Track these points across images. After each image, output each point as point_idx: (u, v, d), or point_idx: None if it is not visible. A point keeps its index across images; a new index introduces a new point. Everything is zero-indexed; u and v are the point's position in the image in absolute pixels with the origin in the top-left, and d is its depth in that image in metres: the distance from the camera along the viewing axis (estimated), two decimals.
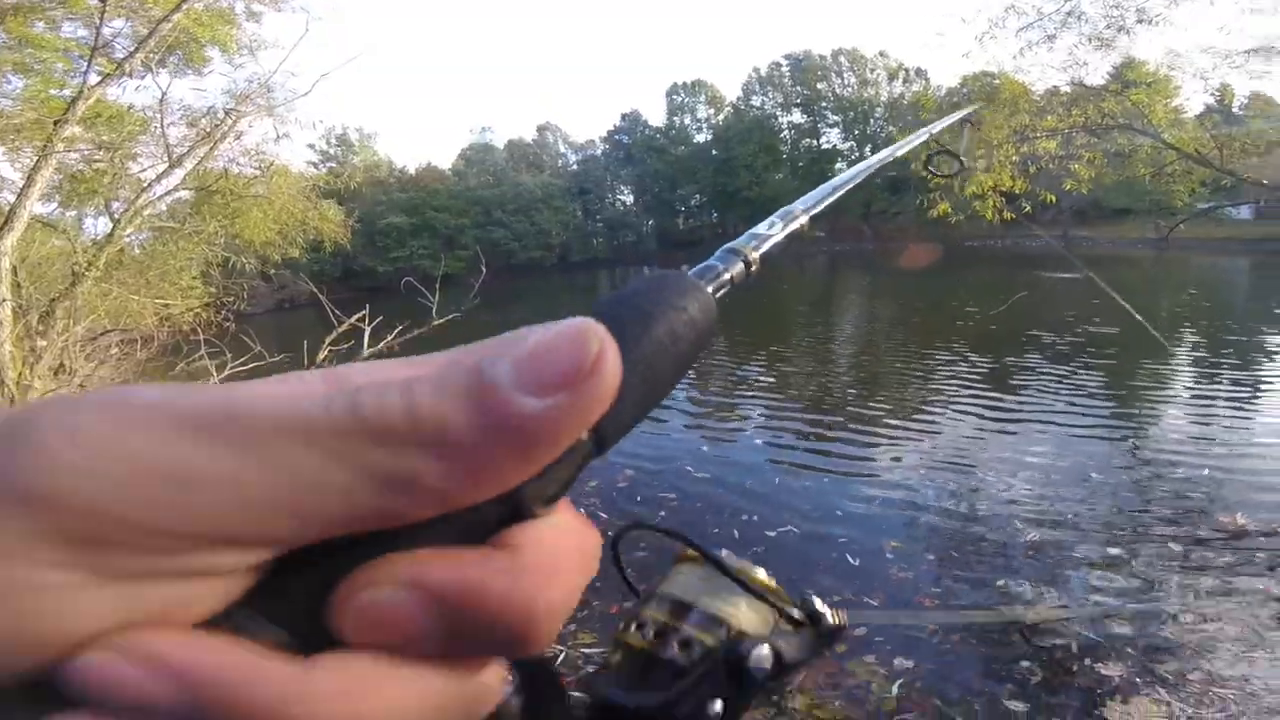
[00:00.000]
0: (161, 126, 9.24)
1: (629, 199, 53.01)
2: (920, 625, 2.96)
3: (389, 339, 10.10)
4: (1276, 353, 8.00)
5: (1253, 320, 10.11)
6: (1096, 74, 7.41)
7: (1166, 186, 8.45)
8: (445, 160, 50.74)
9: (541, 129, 54.53)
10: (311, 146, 42.66)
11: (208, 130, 9.26)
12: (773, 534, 4.03)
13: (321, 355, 9.88)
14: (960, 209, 8.98)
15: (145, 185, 8.78)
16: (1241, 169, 7.69)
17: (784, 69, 46.72)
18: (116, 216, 8.64)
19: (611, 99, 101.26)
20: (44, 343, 6.95)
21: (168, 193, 9.34)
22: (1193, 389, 6.95)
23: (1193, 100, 7.96)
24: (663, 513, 4.46)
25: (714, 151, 47.73)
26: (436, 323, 10.00)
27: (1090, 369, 7.83)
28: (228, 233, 9.94)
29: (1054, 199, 8.86)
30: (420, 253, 36.65)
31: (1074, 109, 7.50)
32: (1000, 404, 6.65)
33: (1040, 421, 5.99)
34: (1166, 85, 7.38)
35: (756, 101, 47.66)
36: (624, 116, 52.02)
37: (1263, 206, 21.90)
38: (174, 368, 10.44)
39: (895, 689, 2.51)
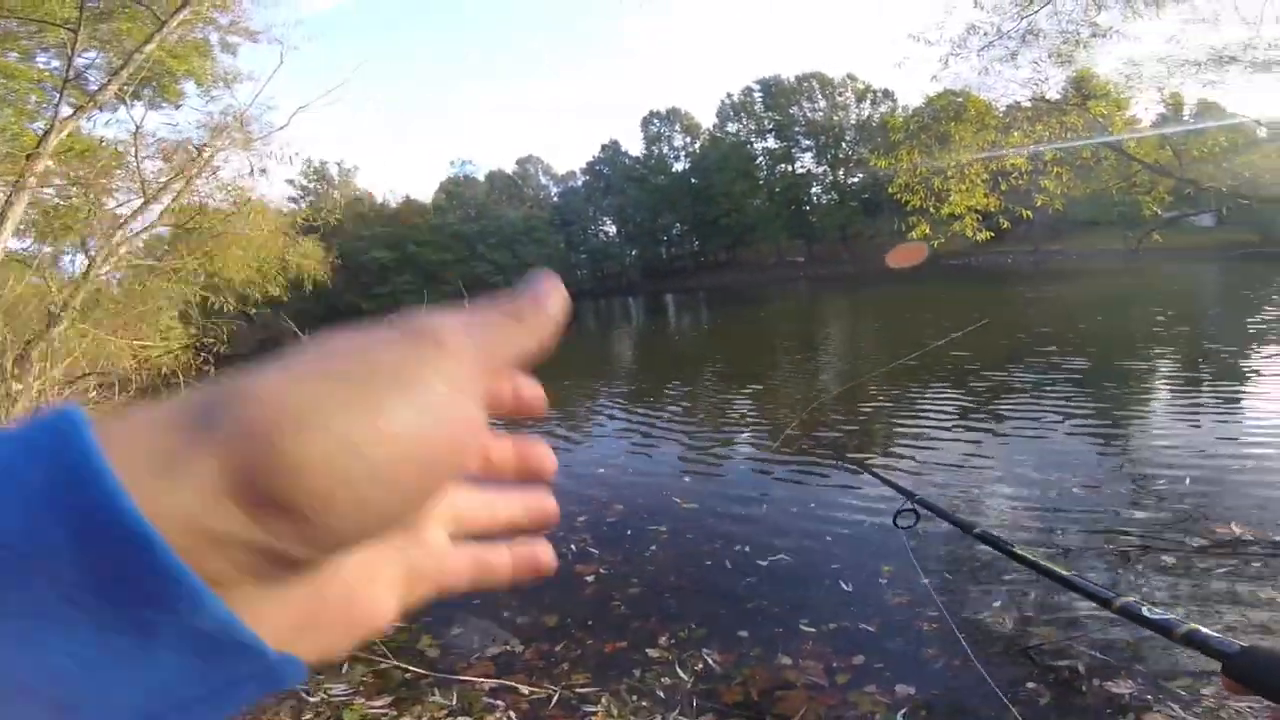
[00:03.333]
0: (136, 160, 9.12)
1: (611, 229, 53.49)
2: (919, 651, 2.89)
3: None
4: (1251, 364, 8.15)
5: (1225, 332, 10.34)
6: (1054, 88, 7.62)
7: (1135, 198, 8.65)
8: (426, 194, 50.96)
9: (522, 161, 55.20)
10: (290, 182, 42.72)
11: (183, 164, 9.16)
12: (764, 562, 3.96)
13: None
14: (939, 230, 9.09)
15: (121, 221, 8.62)
16: (1201, 177, 7.90)
17: (756, 95, 47.70)
18: (93, 253, 8.48)
19: (594, 130, 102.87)
20: (19, 386, 6.73)
21: (145, 229, 9.19)
22: (1173, 402, 7.04)
23: (1148, 111, 8.21)
24: (653, 546, 4.37)
25: (693, 180, 48.40)
26: None
27: (1069, 386, 7.92)
28: (206, 271, 9.76)
29: (1028, 215, 9.00)
30: (404, 289, 36.62)
31: (1038, 124, 7.69)
32: (985, 423, 6.68)
33: (1027, 439, 6.02)
34: (1122, 96, 7.60)
35: (731, 128, 48.55)
36: (604, 147, 52.86)
37: (1223, 214, 22.58)
38: None
39: (900, 718, 2.44)
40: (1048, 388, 7.78)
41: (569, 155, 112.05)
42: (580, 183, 53.98)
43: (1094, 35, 6.68)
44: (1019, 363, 9.28)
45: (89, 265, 8.15)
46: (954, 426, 6.67)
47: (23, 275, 8.22)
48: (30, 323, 7.53)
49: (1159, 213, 8.60)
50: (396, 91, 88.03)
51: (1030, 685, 2.54)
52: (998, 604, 3.21)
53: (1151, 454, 5.28)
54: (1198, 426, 5.87)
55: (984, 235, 8.81)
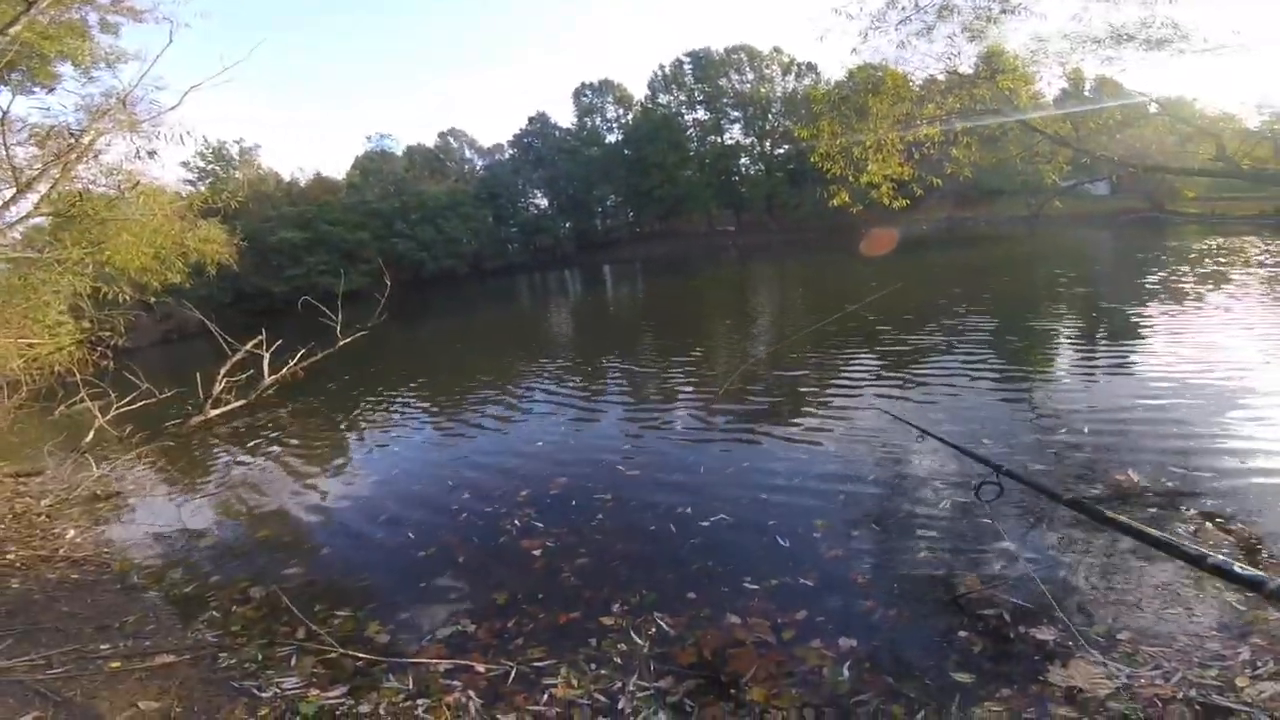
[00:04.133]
0: (5, 148, 8.26)
1: (543, 202, 52.32)
2: (856, 604, 3.07)
3: (292, 364, 9.45)
4: (1143, 319, 8.92)
5: (1118, 291, 11.26)
6: (967, 62, 7.96)
7: (1036, 167, 9.22)
8: (340, 170, 48.00)
9: (444, 134, 52.89)
10: (186, 164, 39.40)
11: (61, 150, 8.31)
12: (706, 524, 4.08)
13: (218, 387, 9.13)
14: (858, 198, 9.37)
15: None
16: (1096, 147, 8.48)
17: (686, 67, 47.47)
18: None
19: (515, 103, 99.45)
20: None
21: (19, 219, 8.34)
22: (1073, 357, 7.64)
23: (1051, 86, 8.70)
24: (599, 516, 4.40)
25: (626, 151, 47.80)
26: (342, 342, 9.44)
27: (977, 344, 8.47)
28: (95, 261, 8.96)
29: (939, 183, 9.43)
30: (319, 269, 34.54)
31: (950, 96, 8.02)
32: (899, 382, 7.05)
33: (939, 396, 6.40)
34: (1028, 71, 8.01)
35: (663, 100, 48.19)
36: (531, 119, 51.35)
37: (1115, 182, 24.37)
38: (52, 412, 9.35)
39: (845, 671, 2.58)
40: (958, 346, 8.29)
41: (494, 129, 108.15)
42: (507, 155, 52.38)
43: (1004, 11, 6.99)
44: (932, 322, 9.86)
45: None
46: (870, 384, 7.04)
47: None
48: None
49: (1058, 181, 9.20)
50: (310, 67, 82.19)
51: (962, 635, 2.73)
52: (922, 554, 3.43)
53: (1054, 407, 5.71)
54: (1095, 380, 6.41)
55: (900, 203, 9.15)
